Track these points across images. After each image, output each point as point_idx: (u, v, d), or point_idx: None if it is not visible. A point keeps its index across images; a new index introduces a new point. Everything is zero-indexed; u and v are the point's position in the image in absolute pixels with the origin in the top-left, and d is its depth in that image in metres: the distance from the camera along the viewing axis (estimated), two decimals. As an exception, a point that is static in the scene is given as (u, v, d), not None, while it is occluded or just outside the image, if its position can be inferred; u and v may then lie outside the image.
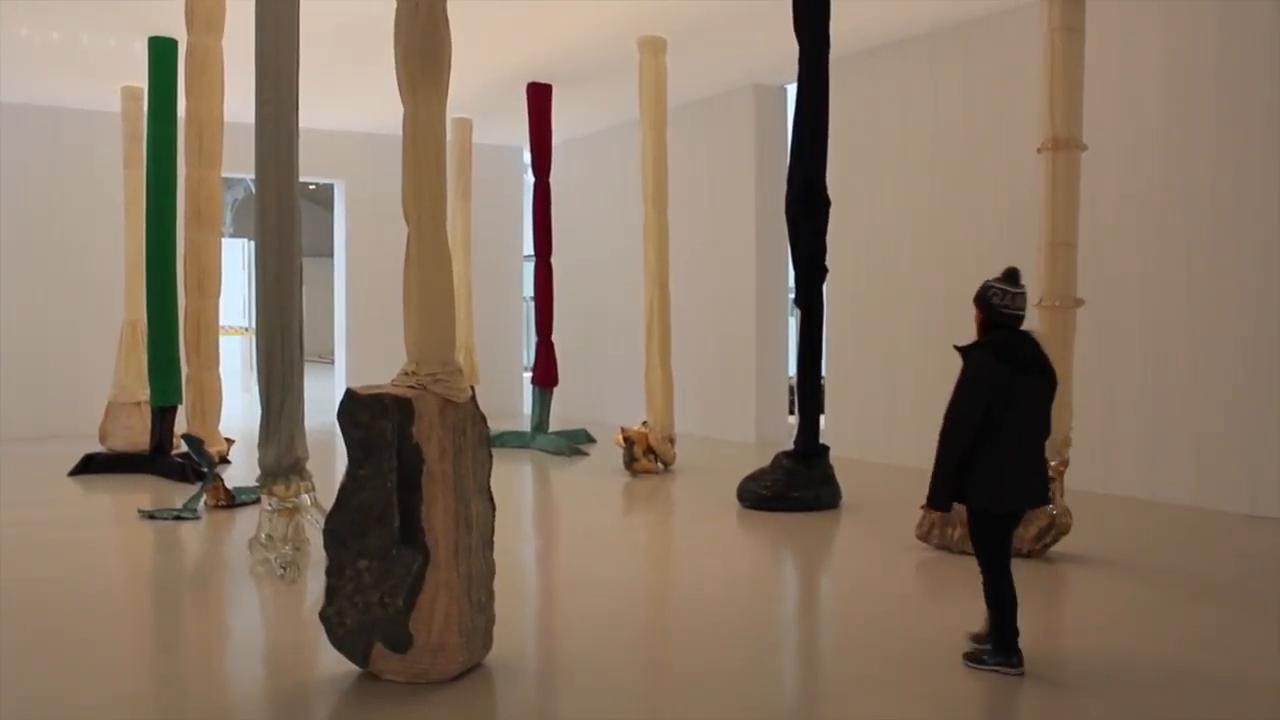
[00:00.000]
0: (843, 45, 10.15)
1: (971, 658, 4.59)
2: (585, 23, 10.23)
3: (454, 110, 13.21)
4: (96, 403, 11.73)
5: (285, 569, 6.14)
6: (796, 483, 8.32)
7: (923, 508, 6.33)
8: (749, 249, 12.59)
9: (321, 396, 14.36)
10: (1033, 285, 6.95)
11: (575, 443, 12.12)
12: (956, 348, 4.59)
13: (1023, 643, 4.56)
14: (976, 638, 4.70)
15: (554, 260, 12.46)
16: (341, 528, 4.42)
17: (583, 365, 15.10)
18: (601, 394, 15.08)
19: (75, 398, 13.19)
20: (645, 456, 10.20)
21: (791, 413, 12.67)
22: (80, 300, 13.52)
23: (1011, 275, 4.62)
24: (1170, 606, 5.69)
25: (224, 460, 10.17)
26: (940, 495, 4.53)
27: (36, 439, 13.01)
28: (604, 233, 15.16)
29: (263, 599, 5.99)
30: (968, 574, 6.34)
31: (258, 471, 6.44)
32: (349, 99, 13.30)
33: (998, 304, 4.56)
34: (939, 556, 6.75)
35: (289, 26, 6.22)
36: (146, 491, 9.28)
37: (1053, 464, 6.60)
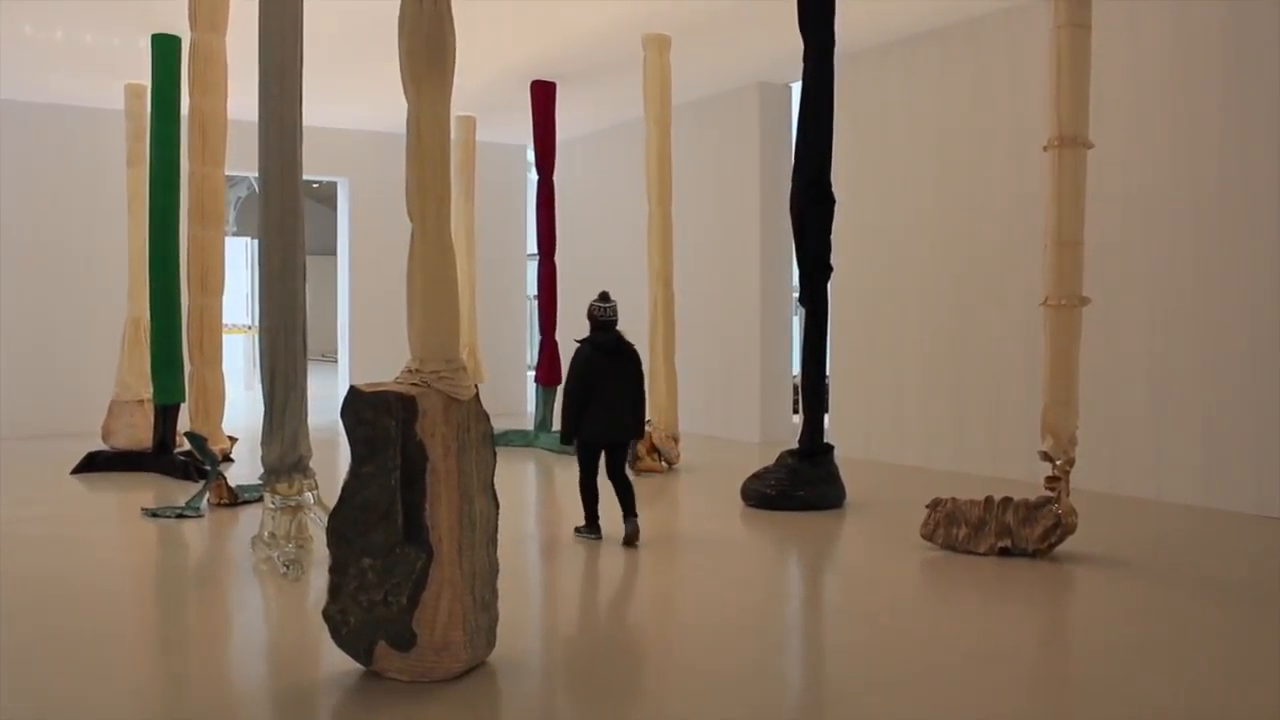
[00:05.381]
0: (848, 43, 10.12)
1: (578, 530, 7.29)
2: (590, 20, 10.21)
3: (458, 108, 13.18)
4: (99, 400, 11.72)
5: (288, 567, 6.13)
6: (801, 481, 8.30)
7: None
8: (753, 247, 12.57)
9: (325, 394, 14.35)
10: (1039, 284, 6.95)
11: (579, 441, 12.08)
12: (575, 340, 7.14)
13: (1028, 643, 4.79)
14: (579, 528, 7.29)
15: (558, 258, 12.44)
16: (345, 525, 4.40)
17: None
18: (605, 393, 15.04)
19: (78, 395, 13.19)
20: (649, 455, 10.18)
21: (796, 411, 12.64)
22: (83, 298, 13.51)
23: (602, 295, 7.20)
24: (1177, 606, 5.67)
25: (227, 458, 10.16)
26: (565, 435, 7.08)
27: (39, 437, 13.01)
28: (608, 231, 15.13)
29: (266, 597, 5.97)
30: (973, 573, 6.34)
31: (261, 469, 6.43)
32: (353, 96, 13.29)
33: (595, 314, 7.09)
34: (944, 556, 6.73)
35: (293, 23, 6.20)
36: (149, 489, 9.27)
37: (1058, 463, 6.60)
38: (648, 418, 10.64)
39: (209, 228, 9.04)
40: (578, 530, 7.33)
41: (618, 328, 7.15)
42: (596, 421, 6.94)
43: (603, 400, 6.91)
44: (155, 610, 5.95)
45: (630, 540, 7.04)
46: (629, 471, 10.26)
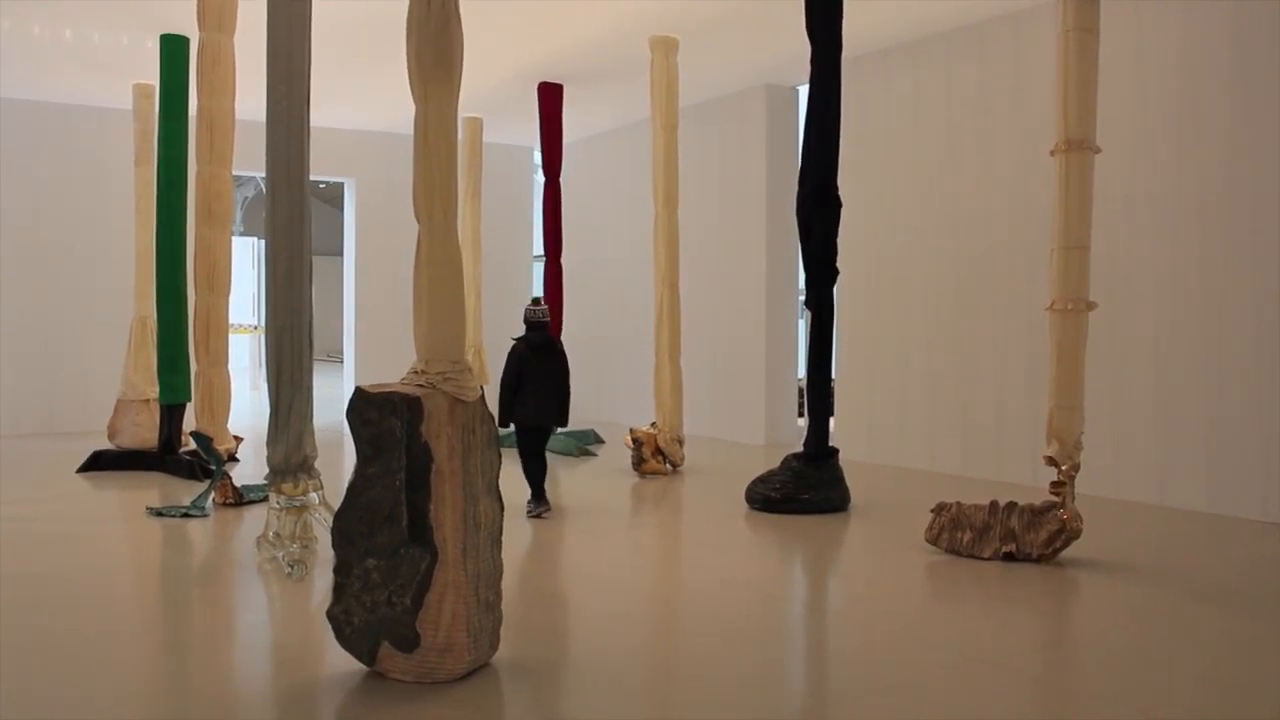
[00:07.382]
0: (855, 46, 10.12)
1: (531, 514, 8.07)
2: (597, 22, 10.22)
3: (465, 109, 13.23)
4: (105, 400, 11.75)
5: (293, 567, 6.14)
6: (805, 485, 8.29)
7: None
8: (759, 250, 12.57)
9: (330, 395, 14.36)
10: (1045, 288, 6.95)
11: (584, 443, 12.10)
12: (511, 338, 8.23)
13: (1032, 648, 4.85)
14: (529, 503, 8.17)
15: (564, 260, 12.45)
16: (350, 526, 4.41)
17: (592, 366, 15.09)
18: (610, 395, 15.07)
19: (84, 395, 13.24)
20: (654, 457, 10.18)
21: (801, 415, 12.64)
22: (90, 297, 13.55)
23: (535, 300, 8.32)
24: (1181, 612, 5.65)
25: (232, 458, 10.18)
26: (501, 419, 7.67)
27: (45, 435, 13.04)
28: (614, 233, 15.15)
29: (270, 597, 5.98)
30: (977, 577, 6.33)
31: (266, 469, 6.44)
32: (360, 97, 13.31)
33: (529, 317, 8.10)
34: (948, 559, 6.72)
35: (301, 24, 6.22)
36: (155, 489, 9.30)
37: (1063, 468, 6.59)
38: (652, 420, 10.72)
39: (216, 227, 9.06)
40: (528, 505, 8.19)
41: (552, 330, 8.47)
42: (526, 407, 8.01)
43: (532, 390, 7.99)
44: (159, 610, 5.96)
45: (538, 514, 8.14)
46: (635, 469, 10.50)
